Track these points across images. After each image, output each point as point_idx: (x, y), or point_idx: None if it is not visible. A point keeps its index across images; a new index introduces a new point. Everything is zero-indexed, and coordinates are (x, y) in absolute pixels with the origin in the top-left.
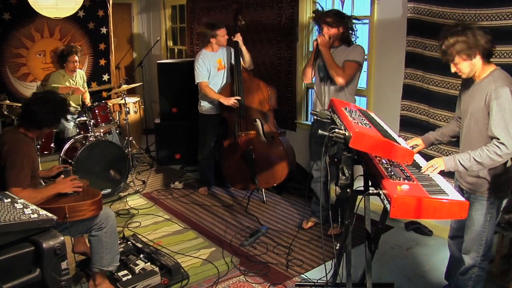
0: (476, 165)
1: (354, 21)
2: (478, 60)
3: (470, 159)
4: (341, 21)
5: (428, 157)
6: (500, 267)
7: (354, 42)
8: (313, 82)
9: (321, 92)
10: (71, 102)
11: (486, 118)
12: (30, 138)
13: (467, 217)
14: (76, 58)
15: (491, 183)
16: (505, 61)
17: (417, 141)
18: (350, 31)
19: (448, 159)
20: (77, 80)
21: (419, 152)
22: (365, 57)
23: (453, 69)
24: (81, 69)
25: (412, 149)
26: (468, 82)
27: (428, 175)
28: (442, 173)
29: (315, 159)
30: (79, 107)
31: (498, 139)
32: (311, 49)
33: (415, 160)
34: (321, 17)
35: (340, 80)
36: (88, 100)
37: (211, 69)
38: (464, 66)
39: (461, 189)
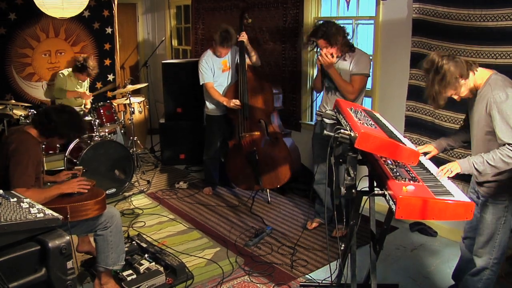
0: (490, 168)
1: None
2: (465, 81)
3: (483, 163)
4: (335, 35)
5: (438, 160)
6: (506, 268)
7: (354, 45)
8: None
9: (328, 100)
10: (75, 101)
11: (489, 126)
12: (37, 140)
13: (480, 219)
14: (86, 78)
15: (506, 186)
16: (510, 62)
17: (429, 148)
18: (347, 37)
19: (463, 161)
20: (83, 86)
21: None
22: (371, 62)
23: (458, 99)
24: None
25: (425, 155)
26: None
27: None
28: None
29: (318, 161)
30: (83, 107)
31: (510, 144)
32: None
33: (421, 162)
34: (315, 40)
35: (350, 97)
36: (88, 104)
37: (215, 70)
38: (462, 91)
39: (476, 192)
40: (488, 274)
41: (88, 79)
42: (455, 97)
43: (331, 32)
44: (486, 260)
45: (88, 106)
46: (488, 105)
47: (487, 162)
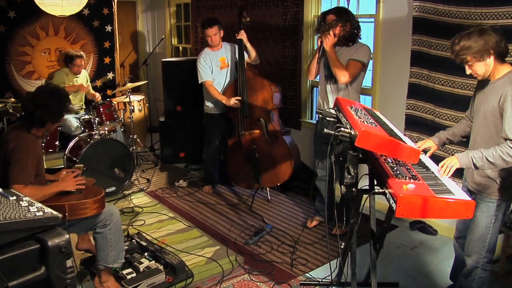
0: (488, 164)
1: (358, 20)
2: (492, 61)
3: (482, 158)
4: (346, 18)
5: (436, 157)
6: (505, 267)
7: (359, 41)
8: (318, 79)
9: (324, 90)
10: (74, 99)
11: (498, 119)
12: (36, 136)
13: (472, 218)
14: (82, 62)
15: (499, 185)
16: (511, 61)
17: (429, 143)
18: (355, 30)
19: (462, 156)
20: (81, 80)
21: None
22: (371, 56)
23: (468, 71)
24: (85, 68)
25: (425, 153)
26: (483, 82)
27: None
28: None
29: (320, 158)
30: (83, 105)
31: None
32: (315, 46)
33: (421, 160)
34: (326, 15)
35: (342, 79)
36: (98, 98)
37: (213, 67)
38: (479, 67)
39: (468, 190)
40: (480, 273)
41: (87, 74)
42: (468, 69)
43: (346, 14)
44: (476, 259)
45: (99, 99)
46: (503, 97)
47: (486, 159)
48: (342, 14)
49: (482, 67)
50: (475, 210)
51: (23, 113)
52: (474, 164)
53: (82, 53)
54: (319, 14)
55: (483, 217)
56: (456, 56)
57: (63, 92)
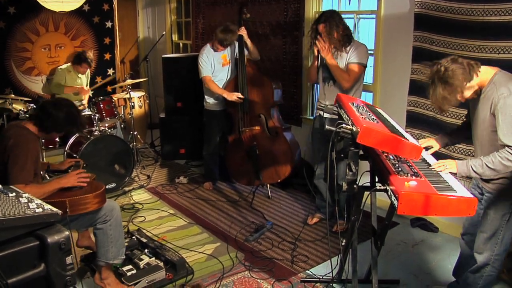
0: (489, 171)
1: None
2: (470, 83)
3: (482, 166)
4: (336, 23)
5: (439, 155)
6: (507, 264)
7: (353, 38)
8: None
9: (324, 92)
10: (73, 96)
11: (494, 126)
12: (36, 135)
13: (484, 215)
14: (87, 69)
15: None
16: None
17: (431, 142)
18: (347, 30)
19: (461, 164)
20: (81, 77)
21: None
22: (370, 52)
23: (462, 100)
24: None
25: (426, 150)
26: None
27: (437, 171)
28: (454, 174)
29: (318, 156)
30: (82, 99)
31: (510, 146)
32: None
33: (423, 157)
34: (317, 25)
35: (345, 85)
36: (85, 101)
37: (215, 64)
38: (466, 94)
39: (480, 188)
40: (490, 270)
41: (89, 72)
42: (460, 98)
43: (335, 18)
44: (488, 256)
45: (85, 102)
46: (493, 105)
47: (486, 165)
48: (331, 20)
49: (469, 91)
50: (488, 208)
51: (38, 113)
52: (475, 172)
53: (92, 61)
54: (313, 25)
55: (497, 215)
56: (444, 110)
57: (84, 119)
